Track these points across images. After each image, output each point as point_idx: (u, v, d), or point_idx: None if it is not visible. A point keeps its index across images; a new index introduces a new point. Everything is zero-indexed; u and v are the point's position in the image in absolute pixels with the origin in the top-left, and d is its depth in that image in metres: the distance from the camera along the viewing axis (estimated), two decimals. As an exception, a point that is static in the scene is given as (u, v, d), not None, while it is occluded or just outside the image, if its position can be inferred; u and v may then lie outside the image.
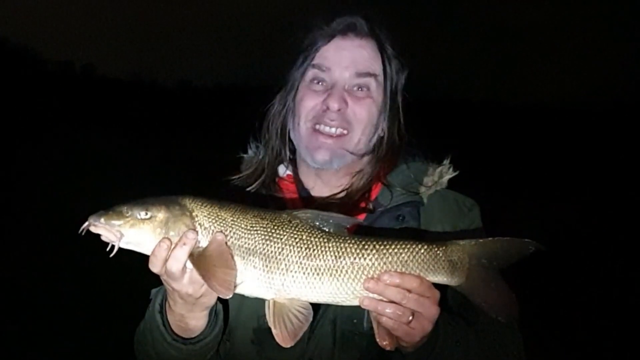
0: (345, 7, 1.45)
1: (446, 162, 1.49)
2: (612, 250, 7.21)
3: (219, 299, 1.32)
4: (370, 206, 1.42)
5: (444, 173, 1.47)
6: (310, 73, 1.40)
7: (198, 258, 1.13)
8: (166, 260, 1.13)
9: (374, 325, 1.17)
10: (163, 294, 1.30)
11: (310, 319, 1.18)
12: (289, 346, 1.17)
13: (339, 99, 1.36)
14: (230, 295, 1.13)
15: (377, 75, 1.39)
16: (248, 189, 1.48)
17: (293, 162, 1.52)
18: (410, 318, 1.11)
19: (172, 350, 1.30)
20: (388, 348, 1.16)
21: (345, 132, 1.39)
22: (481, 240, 1.17)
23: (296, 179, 1.51)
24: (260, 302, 1.36)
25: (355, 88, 1.39)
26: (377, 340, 1.16)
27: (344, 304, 1.21)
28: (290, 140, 1.49)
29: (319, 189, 1.48)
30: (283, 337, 1.16)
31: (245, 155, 1.58)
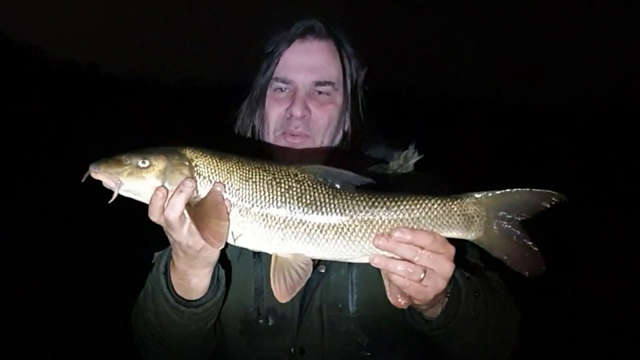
0: (310, 11, 1.53)
1: (411, 146, 1.51)
2: (607, 249, 7.15)
3: (222, 267, 1.30)
4: None
5: (410, 157, 1.50)
6: (274, 83, 1.47)
7: (195, 208, 1.11)
8: (164, 209, 1.11)
9: (385, 284, 1.13)
10: (167, 256, 1.28)
11: (309, 275, 1.15)
12: (285, 301, 1.15)
13: (302, 107, 1.42)
14: (221, 247, 1.12)
15: (336, 82, 1.47)
16: None
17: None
18: (423, 276, 1.07)
19: (174, 314, 1.27)
20: (401, 306, 1.13)
21: (308, 135, 1.45)
22: (499, 192, 1.12)
23: None
24: (243, 292, 1.39)
25: (317, 93, 1.45)
26: (389, 298, 1.12)
27: (352, 260, 1.17)
28: (261, 142, 1.52)
29: None
30: (280, 292, 1.14)
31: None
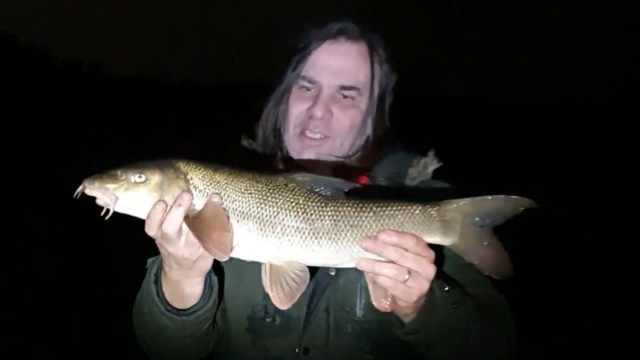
0: (339, 11, 1.53)
1: (430, 153, 1.51)
2: (603, 249, 7.14)
3: (215, 272, 1.33)
4: None
5: (429, 164, 1.50)
6: (300, 81, 1.47)
7: (193, 220, 1.13)
8: (162, 223, 1.13)
9: (370, 288, 1.16)
10: (159, 264, 1.31)
11: (307, 280, 1.18)
12: (285, 308, 1.17)
13: (323, 109, 1.43)
14: (227, 258, 1.13)
15: (362, 88, 1.46)
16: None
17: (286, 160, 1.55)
18: (407, 277, 1.11)
19: (167, 320, 1.30)
20: (384, 309, 1.16)
21: (328, 136, 1.45)
22: (474, 199, 1.16)
23: None
24: (252, 290, 1.40)
25: (341, 96, 1.46)
26: (374, 302, 1.16)
27: (342, 266, 1.21)
28: (282, 138, 1.53)
29: None
30: (280, 299, 1.16)
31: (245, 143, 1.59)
